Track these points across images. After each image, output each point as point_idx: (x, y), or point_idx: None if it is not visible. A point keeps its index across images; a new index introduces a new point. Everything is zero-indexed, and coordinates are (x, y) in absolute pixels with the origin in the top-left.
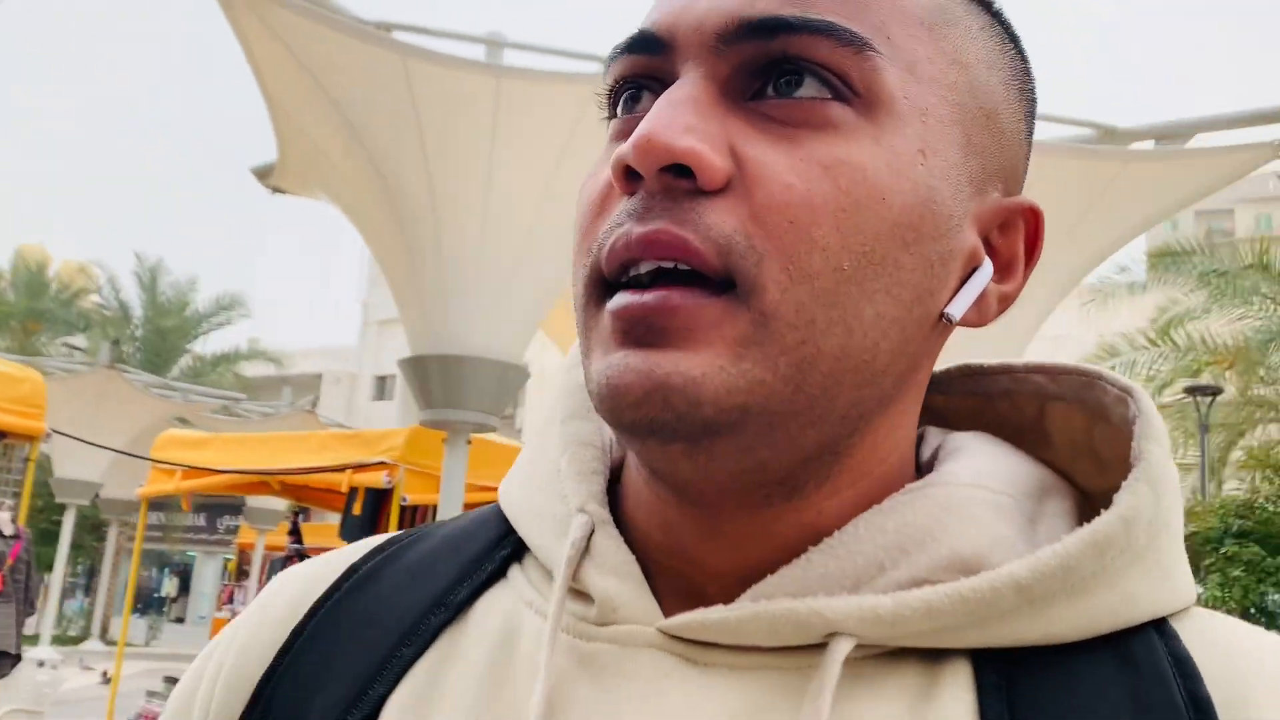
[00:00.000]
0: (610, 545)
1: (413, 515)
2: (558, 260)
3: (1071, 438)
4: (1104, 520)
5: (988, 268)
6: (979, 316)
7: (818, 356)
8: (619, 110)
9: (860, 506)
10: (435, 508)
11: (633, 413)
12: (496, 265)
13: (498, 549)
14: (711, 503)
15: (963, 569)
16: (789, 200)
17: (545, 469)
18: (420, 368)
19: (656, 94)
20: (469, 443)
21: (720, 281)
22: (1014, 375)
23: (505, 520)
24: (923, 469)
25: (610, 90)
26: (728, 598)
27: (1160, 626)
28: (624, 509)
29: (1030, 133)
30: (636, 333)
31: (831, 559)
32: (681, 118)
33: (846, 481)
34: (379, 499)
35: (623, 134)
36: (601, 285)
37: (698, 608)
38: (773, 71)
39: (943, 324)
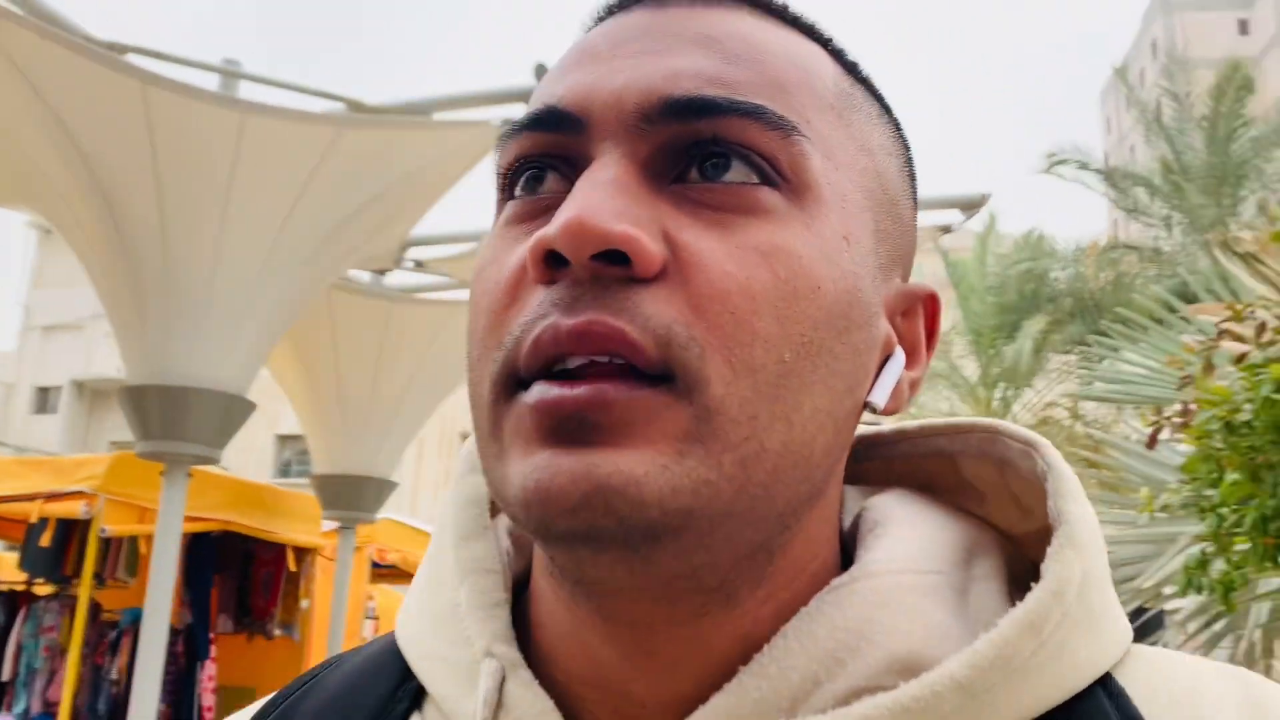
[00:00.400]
0: (526, 696)
1: (106, 546)
2: (289, 296)
3: (994, 485)
4: (1035, 598)
5: (900, 355)
6: (894, 403)
7: (761, 454)
8: (518, 191)
9: (795, 607)
10: (138, 539)
11: (568, 520)
12: (227, 298)
13: (394, 701)
14: (642, 618)
15: (901, 671)
16: (729, 289)
17: (442, 603)
18: (138, 397)
19: (563, 175)
20: (189, 475)
21: (655, 376)
22: (914, 441)
23: (401, 660)
24: (844, 541)
25: (508, 170)
26: None
27: (1105, 683)
28: (536, 640)
29: (916, 219)
30: (567, 429)
31: (764, 680)
32: (611, 201)
33: (781, 583)
34: (69, 530)
35: (526, 217)
36: (515, 383)
37: None
38: (697, 154)
39: (862, 413)
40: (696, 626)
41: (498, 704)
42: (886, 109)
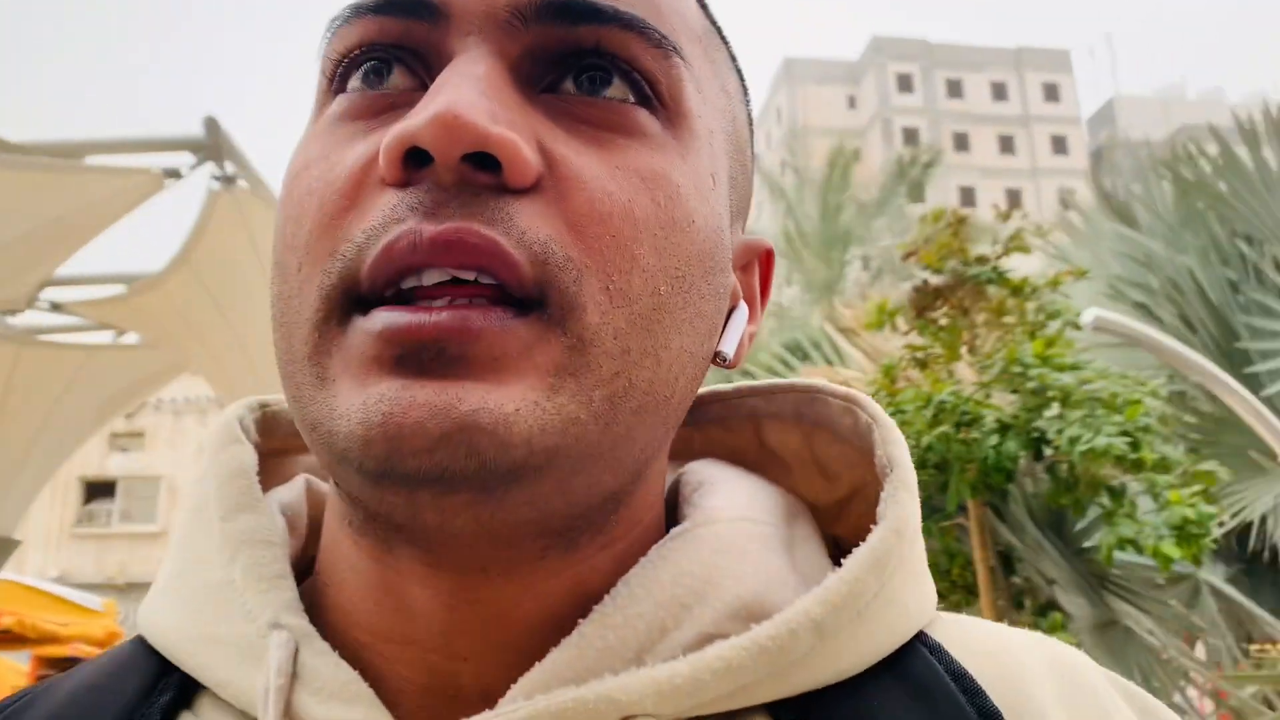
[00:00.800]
0: (323, 663)
1: None
2: None
3: (798, 455)
4: (879, 537)
5: (744, 307)
6: (735, 357)
7: (629, 391)
8: (354, 83)
9: (631, 557)
10: None
11: (421, 460)
12: None
13: (153, 697)
14: (474, 562)
15: (749, 615)
16: (611, 210)
17: (211, 582)
18: None
19: (411, 70)
20: None
21: (524, 300)
22: (726, 402)
23: (155, 657)
24: (668, 505)
25: (342, 58)
26: (488, 689)
27: (924, 640)
28: (332, 605)
29: (754, 175)
30: (422, 359)
31: (608, 629)
32: (484, 99)
33: (622, 531)
34: None
35: (364, 113)
36: (351, 300)
37: (452, 713)
38: (574, 64)
39: (709, 364)
40: (533, 573)
41: (292, 675)
42: (734, 58)
